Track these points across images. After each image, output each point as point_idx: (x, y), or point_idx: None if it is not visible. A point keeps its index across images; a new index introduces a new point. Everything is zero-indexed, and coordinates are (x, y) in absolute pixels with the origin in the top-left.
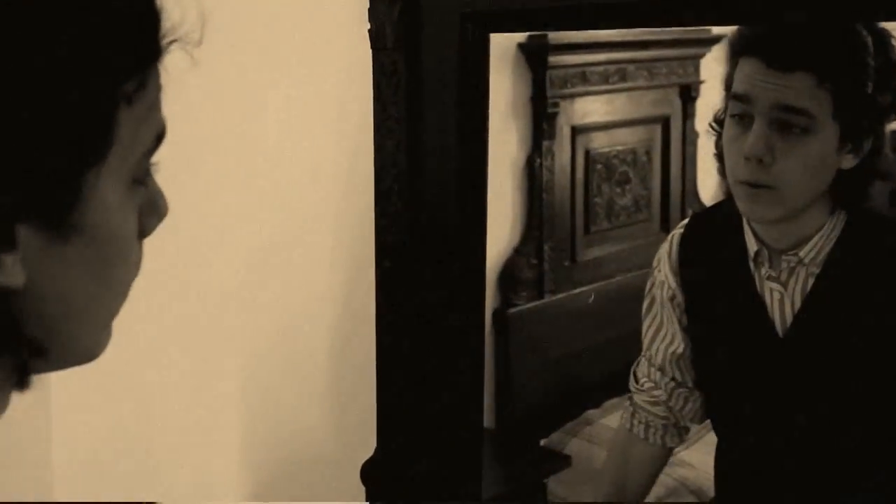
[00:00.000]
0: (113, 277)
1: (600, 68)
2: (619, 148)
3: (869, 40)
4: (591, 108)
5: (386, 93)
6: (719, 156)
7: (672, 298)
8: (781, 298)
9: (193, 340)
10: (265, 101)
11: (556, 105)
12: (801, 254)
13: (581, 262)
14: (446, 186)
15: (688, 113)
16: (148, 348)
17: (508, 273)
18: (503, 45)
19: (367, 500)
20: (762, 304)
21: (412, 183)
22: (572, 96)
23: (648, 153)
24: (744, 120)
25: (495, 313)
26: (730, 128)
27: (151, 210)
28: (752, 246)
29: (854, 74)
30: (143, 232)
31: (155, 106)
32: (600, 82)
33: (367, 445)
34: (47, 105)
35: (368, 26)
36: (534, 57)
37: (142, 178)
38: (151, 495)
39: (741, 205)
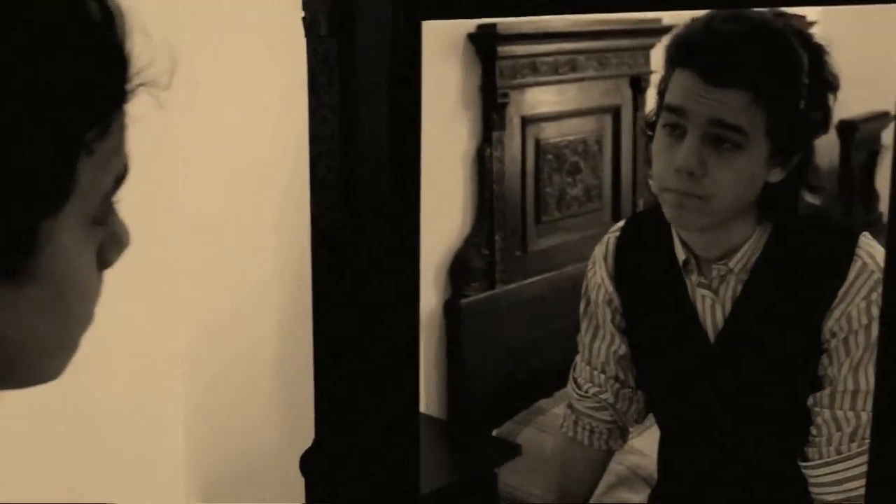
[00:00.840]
0: (71, 314)
1: (550, 59)
2: (570, 138)
3: (805, 58)
4: (541, 99)
5: (320, 81)
6: (650, 161)
7: (609, 302)
8: (713, 305)
9: (134, 338)
10: (210, 88)
11: (505, 95)
12: (731, 264)
13: (532, 251)
14: (380, 175)
15: (638, 103)
16: (87, 348)
17: (460, 263)
18: (453, 36)
19: (306, 491)
20: (694, 310)
21: (347, 171)
22: (522, 87)
23: (599, 143)
24: (676, 131)
25: (447, 304)
26: (661, 136)
27: (113, 244)
28: (680, 255)
29: (788, 93)
30: (105, 264)
31: (117, 150)
32: (550, 73)
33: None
34: (5, 158)
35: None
36: (483, 47)
37: (102, 219)
38: (94, 496)
39: (668, 211)
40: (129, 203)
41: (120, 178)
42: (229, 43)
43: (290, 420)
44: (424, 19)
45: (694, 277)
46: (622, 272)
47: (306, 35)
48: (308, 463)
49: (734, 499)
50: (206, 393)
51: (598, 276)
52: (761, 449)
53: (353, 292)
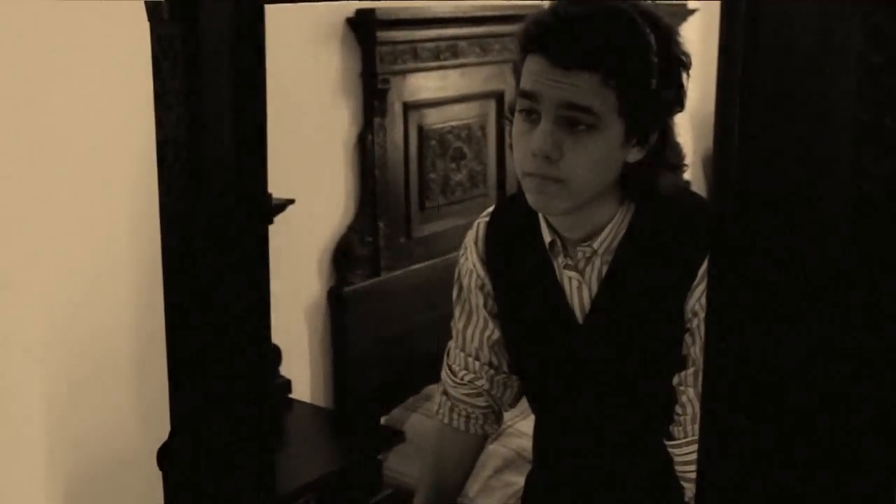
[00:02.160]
0: None
1: (431, 44)
2: (453, 124)
3: (652, 38)
4: (423, 84)
5: (164, 66)
6: (512, 147)
7: (481, 287)
8: (580, 286)
9: None
10: (56, 78)
11: (386, 81)
12: (595, 245)
13: (416, 238)
14: (227, 160)
15: None
16: None
17: (343, 251)
18: (332, 21)
19: (164, 485)
20: (562, 291)
21: (193, 157)
22: (403, 72)
23: (483, 129)
24: (531, 116)
25: (331, 292)
26: (519, 122)
27: None
28: (546, 237)
29: (637, 73)
30: None
31: None
32: (431, 58)
33: None
34: None
35: None
36: (362, 32)
37: None
38: None
39: (529, 196)
40: None
41: None
42: (78, 37)
43: (148, 415)
44: (268, 3)
45: (561, 259)
46: (493, 256)
47: (149, 19)
48: (165, 456)
49: (604, 480)
50: (64, 392)
51: (470, 261)
52: (629, 429)
53: (204, 281)
